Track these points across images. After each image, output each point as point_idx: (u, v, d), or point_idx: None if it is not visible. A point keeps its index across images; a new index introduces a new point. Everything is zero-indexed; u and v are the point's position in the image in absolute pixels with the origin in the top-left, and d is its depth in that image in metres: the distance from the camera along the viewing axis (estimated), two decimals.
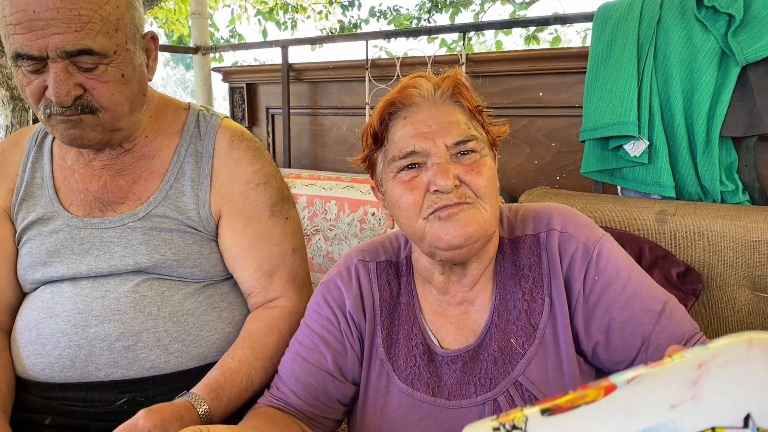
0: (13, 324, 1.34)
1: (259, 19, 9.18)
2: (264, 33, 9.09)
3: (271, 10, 9.01)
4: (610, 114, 1.73)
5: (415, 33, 2.72)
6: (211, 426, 0.92)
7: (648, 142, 1.69)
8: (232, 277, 1.39)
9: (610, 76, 1.76)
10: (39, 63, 1.14)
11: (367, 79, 2.62)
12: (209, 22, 3.44)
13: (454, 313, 1.11)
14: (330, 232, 2.20)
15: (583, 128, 1.83)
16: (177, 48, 4.82)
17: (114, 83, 1.20)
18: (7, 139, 1.46)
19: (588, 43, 1.89)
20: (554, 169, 2.27)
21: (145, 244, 1.28)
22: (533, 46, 7.93)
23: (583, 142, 1.86)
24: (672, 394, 0.47)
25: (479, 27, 2.60)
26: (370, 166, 1.13)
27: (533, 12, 8.58)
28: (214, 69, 3.38)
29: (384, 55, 2.86)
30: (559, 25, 6.01)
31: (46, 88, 1.16)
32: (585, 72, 1.85)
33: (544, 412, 0.52)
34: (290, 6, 9.15)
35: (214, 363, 1.24)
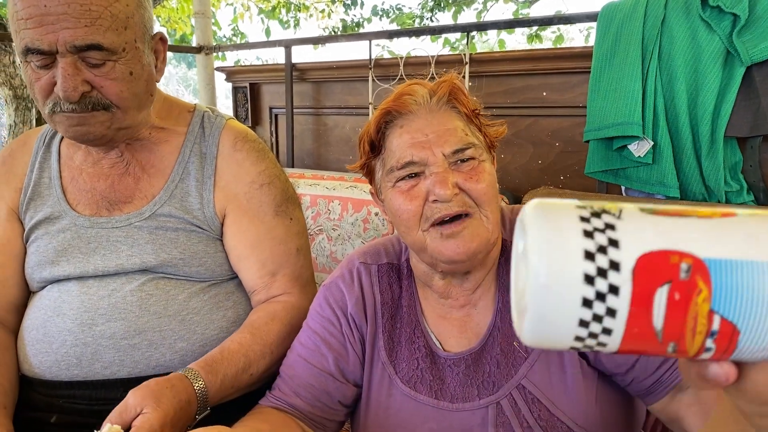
0: (20, 323, 1.35)
1: (261, 18, 9.18)
2: (267, 32, 9.09)
3: (274, 8, 9.01)
4: (614, 114, 1.73)
5: (418, 32, 2.72)
6: (211, 427, 0.93)
7: (652, 142, 1.69)
8: (237, 276, 1.40)
9: (614, 75, 1.76)
10: (48, 58, 1.15)
11: (370, 78, 2.62)
12: (212, 20, 3.44)
13: (457, 316, 1.11)
14: (333, 231, 2.20)
15: (587, 128, 1.83)
16: (180, 47, 4.82)
17: (122, 81, 1.20)
18: (16, 139, 1.47)
19: (591, 42, 1.89)
20: (558, 169, 2.27)
21: (151, 244, 1.29)
22: (536, 44, 7.92)
23: (587, 142, 1.86)
24: None
25: (482, 27, 2.60)
26: (368, 172, 1.13)
27: (536, 10, 8.57)
28: (218, 69, 3.38)
29: (386, 55, 2.86)
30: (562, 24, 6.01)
31: (54, 84, 1.17)
32: (589, 72, 1.85)
33: (643, 209, 0.46)
34: (293, 5, 9.15)
35: None
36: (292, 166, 3.00)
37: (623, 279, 0.43)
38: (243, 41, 9.41)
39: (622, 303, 0.43)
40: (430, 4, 8.92)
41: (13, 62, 4.98)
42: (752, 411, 0.51)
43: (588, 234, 0.44)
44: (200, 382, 1.12)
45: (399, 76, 2.55)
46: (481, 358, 1.06)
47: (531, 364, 1.03)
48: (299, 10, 9.15)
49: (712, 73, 1.60)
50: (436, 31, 2.80)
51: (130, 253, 1.28)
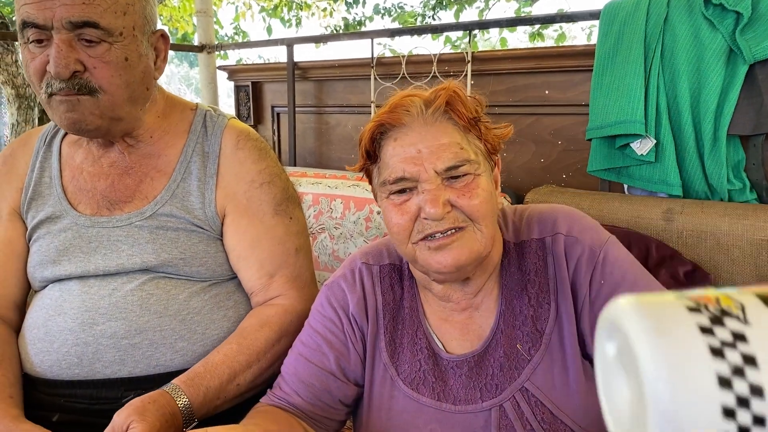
0: (22, 321, 1.35)
1: (263, 17, 9.18)
2: (269, 30, 9.09)
3: (276, 7, 9.01)
4: (616, 112, 1.72)
5: (420, 31, 2.71)
6: (210, 428, 0.93)
7: (655, 141, 1.69)
8: (237, 276, 1.39)
9: (616, 74, 1.75)
10: (43, 33, 1.16)
11: (372, 77, 2.62)
12: (213, 19, 3.44)
13: (458, 319, 1.11)
14: (336, 230, 2.20)
15: (590, 126, 1.82)
16: (182, 46, 4.82)
17: (116, 65, 1.20)
18: (17, 139, 1.47)
19: (593, 40, 1.88)
20: (560, 168, 2.26)
21: (151, 243, 1.29)
22: (538, 42, 7.92)
23: (590, 140, 1.86)
24: None
25: (485, 25, 2.60)
26: (367, 175, 1.12)
27: (538, 9, 8.56)
28: (220, 67, 3.38)
29: (388, 53, 2.86)
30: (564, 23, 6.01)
31: (47, 63, 1.17)
32: (591, 70, 1.85)
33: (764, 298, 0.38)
34: (295, 3, 9.15)
35: None
36: (294, 165, 3.00)
37: None
38: (245, 40, 9.41)
39: None
40: (432, 2, 8.91)
41: (16, 61, 4.99)
42: None
43: (716, 352, 0.36)
44: (183, 397, 1.12)
45: (401, 75, 2.54)
46: (483, 360, 1.06)
47: (534, 367, 1.02)
48: (301, 9, 9.14)
49: (715, 71, 1.60)
50: (438, 30, 2.79)
51: (131, 252, 1.28)
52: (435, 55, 2.45)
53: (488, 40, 9.99)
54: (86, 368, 1.24)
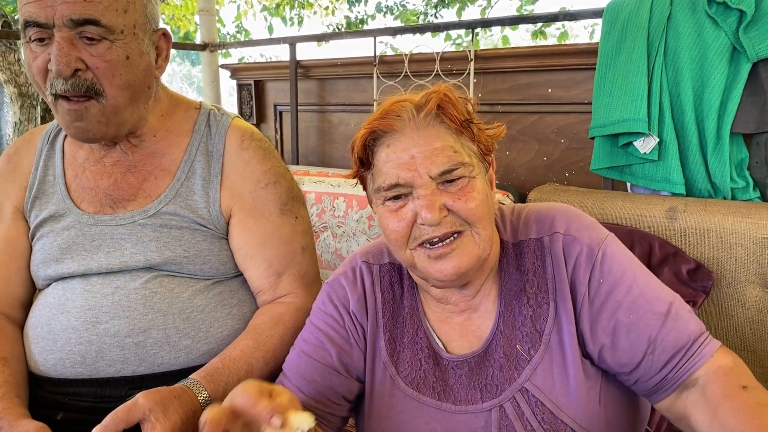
0: (26, 320, 1.35)
1: (265, 15, 9.17)
2: (270, 29, 9.09)
3: (278, 5, 9.00)
4: (619, 111, 1.72)
5: (422, 29, 2.71)
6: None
7: (658, 139, 1.69)
8: (241, 274, 1.40)
9: (619, 72, 1.75)
10: (45, 32, 1.16)
11: (374, 75, 2.62)
12: (216, 18, 3.44)
13: (457, 320, 1.10)
14: (338, 229, 2.20)
15: (593, 125, 1.82)
16: (185, 45, 4.83)
17: (117, 63, 1.20)
18: (21, 137, 1.47)
19: (596, 38, 1.89)
20: (563, 166, 2.26)
21: (155, 241, 1.29)
22: (540, 41, 7.90)
23: (593, 138, 1.85)
24: None
25: (487, 23, 2.60)
26: (361, 182, 1.12)
27: (541, 7, 8.55)
28: (222, 66, 3.39)
29: (389, 51, 2.86)
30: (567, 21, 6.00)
31: (49, 62, 1.17)
32: (594, 68, 1.85)
33: None
34: (297, 1, 9.14)
35: None
36: (297, 164, 3.00)
37: None
38: (247, 38, 9.41)
39: None
40: (434, 0, 8.89)
41: (18, 60, 5.00)
42: None
43: None
44: (204, 393, 1.12)
45: (404, 73, 2.54)
46: (484, 361, 1.06)
47: (534, 367, 1.02)
48: (303, 7, 9.14)
49: (718, 70, 1.60)
50: (440, 28, 2.79)
51: (134, 250, 1.28)
52: (438, 53, 2.45)
53: (490, 38, 9.97)
54: (90, 367, 1.24)
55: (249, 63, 3.44)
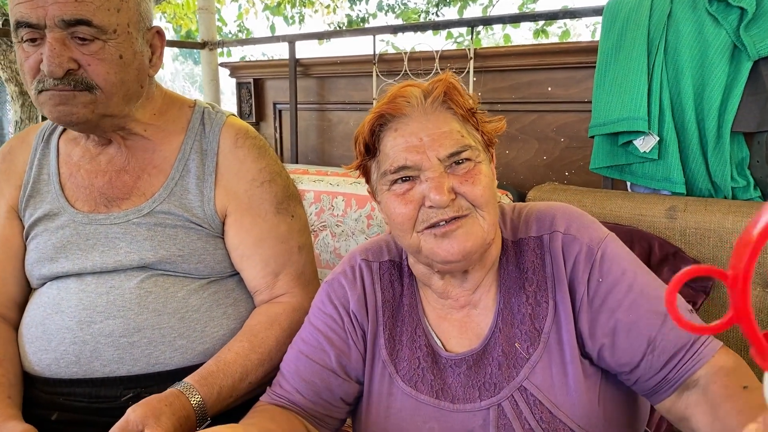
0: (20, 320, 1.34)
1: (266, 14, 9.17)
2: (272, 28, 9.08)
3: (279, 4, 9.00)
4: (619, 109, 1.71)
5: (423, 27, 2.70)
6: (220, 426, 0.93)
7: (658, 138, 1.68)
8: (237, 273, 1.39)
9: (620, 70, 1.74)
10: (36, 32, 1.15)
11: (374, 74, 2.61)
12: (216, 17, 3.44)
13: (457, 317, 1.10)
14: (337, 228, 2.20)
15: (593, 123, 1.81)
16: (184, 43, 4.83)
17: (110, 62, 1.20)
18: (15, 136, 1.46)
19: (597, 37, 1.88)
20: (563, 165, 2.25)
21: (149, 240, 1.28)
22: (542, 39, 7.89)
23: (593, 137, 1.85)
24: None
25: (488, 21, 2.60)
26: (364, 173, 1.12)
27: (542, 5, 8.54)
28: (221, 64, 3.38)
29: (390, 50, 2.85)
30: (568, 19, 5.99)
31: (41, 62, 1.17)
32: (594, 67, 1.84)
33: None
34: (298, 0, 9.14)
35: None
36: (296, 162, 3.00)
37: None
38: (248, 37, 9.41)
39: None
40: None
41: None
42: None
43: None
44: (197, 397, 1.12)
45: (403, 72, 2.54)
46: (482, 359, 1.05)
47: (533, 366, 1.02)
48: (304, 6, 9.13)
49: (719, 68, 1.59)
50: (441, 26, 2.78)
51: (129, 249, 1.28)
52: (437, 51, 2.44)
53: (492, 36, 9.97)
54: (85, 367, 1.24)
55: (248, 61, 3.44)
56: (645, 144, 1.70)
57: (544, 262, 1.06)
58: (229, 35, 9.31)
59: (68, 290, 1.27)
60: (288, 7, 9.06)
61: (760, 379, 0.49)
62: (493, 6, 8.54)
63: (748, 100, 1.57)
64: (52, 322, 1.26)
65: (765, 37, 1.51)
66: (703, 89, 1.62)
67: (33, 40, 1.17)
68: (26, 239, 1.36)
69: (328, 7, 9.30)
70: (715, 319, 1.26)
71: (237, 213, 1.34)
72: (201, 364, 1.26)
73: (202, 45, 3.32)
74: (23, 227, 1.37)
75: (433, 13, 9.08)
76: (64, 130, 1.41)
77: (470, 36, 2.43)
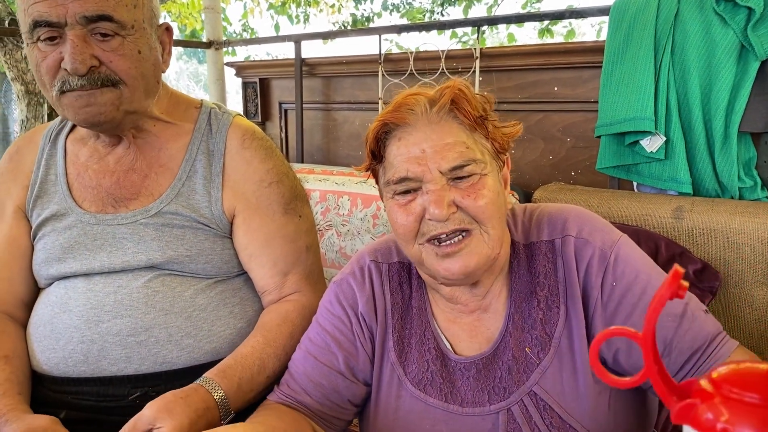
0: (28, 319, 1.35)
1: (271, 14, 9.17)
2: (276, 27, 9.09)
3: (284, 3, 9.00)
4: (626, 109, 1.71)
5: (428, 27, 2.70)
6: (227, 426, 0.93)
7: (665, 138, 1.67)
8: (244, 273, 1.39)
9: (626, 70, 1.74)
10: (56, 31, 1.16)
11: (380, 73, 2.61)
12: (221, 16, 3.44)
13: (467, 321, 1.09)
14: (343, 227, 2.20)
15: (599, 123, 1.81)
16: (190, 43, 4.83)
17: (131, 58, 1.20)
18: (22, 136, 1.47)
19: (603, 36, 1.87)
20: (569, 165, 2.25)
21: (157, 241, 1.29)
22: (547, 39, 7.87)
23: (599, 137, 1.84)
24: None
25: (493, 21, 2.60)
26: (373, 175, 1.11)
27: (547, 5, 8.52)
28: (227, 64, 3.39)
29: (395, 49, 2.85)
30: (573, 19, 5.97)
31: (61, 60, 1.17)
32: (601, 66, 1.83)
33: None
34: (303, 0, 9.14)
35: None
36: (302, 162, 3.00)
37: None
38: (252, 37, 9.42)
39: None
40: None
41: (25, 58, 5.00)
42: None
43: None
44: (219, 390, 1.13)
45: (409, 71, 2.54)
46: (492, 363, 1.05)
47: (543, 371, 1.01)
48: (309, 5, 9.13)
49: (726, 68, 1.58)
50: (446, 26, 2.78)
51: (136, 250, 1.28)
52: (443, 51, 2.44)
53: (496, 35, 9.96)
54: (92, 366, 1.24)
55: (254, 61, 3.44)
56: (652, 144, 1.69)
57: (555, 266, 1.05)
58: (234, 34, 9.32)
59: (76, 289, 1.28)
60: (292, 6, 9.06)
61: None
62: (498, 5, 8.53)
63: (756, 100, 1.56)
64: (60, 321, 1.26)
65: None
66: (710, 89, 1.62)
67: (51, 39, 1.17)
68: (34, 239, 1.37)
69: (332, 6, 9.30)
70: (721, 320, 1.25)
71: (245, 213, 1.35)
72: (208, 363, 1.27)
73: (208, 44, 3.32)
74: (30, 227, 1.38)
75: (438, 13, 9.07)
76: (71, 131, 1.41)
77: (475, 35, 2.43)
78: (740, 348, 0.98)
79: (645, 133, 1.69)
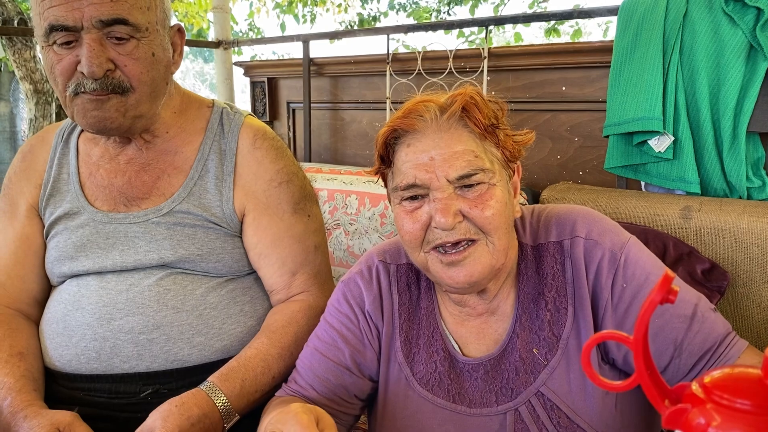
0: (41, 316, 1.36)
1: (277, 13, 9.18)
2: (282, 27, 9.09)
3: (290, 3, 9.00)
4: (634, 109, 1.71)
5: (436, 26, 2.71)
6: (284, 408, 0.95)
7: (673, 138, 1.67)
8: (254, 271, 1.40)
9: (635, 70, 1.74)
10: (72, 34, 1.17)
11: (388, 73, 2.61)
12: (230, 15, 3.45)
13: (474, 323, 1.10)
14: (350, 226, 2.20)
15: (607, 123, 1.81)
16: (198, 42, 4.85)
17: (145, 61, 1.22)
18: (34, 135, 1.48)
19: (609, 35, 1.88)
20: (577, 164, 2.25)
21: (168, 239, 1.30)
22: (554, 38, 7.86)
23: (607, 137, 1.84)
24: None
25: (501, 21, 2.59)
26: (383, 178, 1.11)
27: (554, 4, 8.50)
28: (236, 63, 3.39)
29: (402, 48, 2.85)
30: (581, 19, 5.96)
31: (77, 63, 1.18)
32: (609, 66, 1.83)
33: None
34: None
35: None
36: (310, 161, 3.01)
37: None
38: (259, 36, 9.43)
39: None
40: None
41: (34, 57, 5.03)
42: None
43: None
44: (220, 396, 1.14)
45: (417, 71, 2.54)
46: (500, 364, 1.05)
47: (551, 372, 1.01)
48: (316, 5, 9.13)
49: (735, 68, 1.58)
50: (454, 26, 2.78)
51: (148, 248, 1.29)
52: (451, 51, 2.44)
53: (503, 35, 9.94)
54: (105, 363, 1.25)
55: (262, 60, 3.45)
56: (660, 144, 1.69)
57: (564, 267, 1.05)
58: (239, 33, 9.33)
59: (88, 287, 1.29)
60: (299, 5, 9.07)
61: None
62: (505, 5, 8.51)
63: (764, 101, 1.56)
64: (72, 319, 1.27)
65: None
66: (718, 89, 1.61)
67: (67, 43, 1.18)
68: (46, 238, 1.38)
69: (339, 6, 9.29)
70: (729, 320, 1.25)
71: (255, 212, 1.35)
72: (219, 361, 1.28)
73: (217, 44, 3.33)
74: (43, 226, 1.39)
75: (444, 12, 9.06)
76: (83, 130, 1.43)
77: (483, 34, 2.43)
78: (750, 348, 0.98)
79: (653, 132, 1.69)
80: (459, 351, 1.09)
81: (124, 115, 1.23)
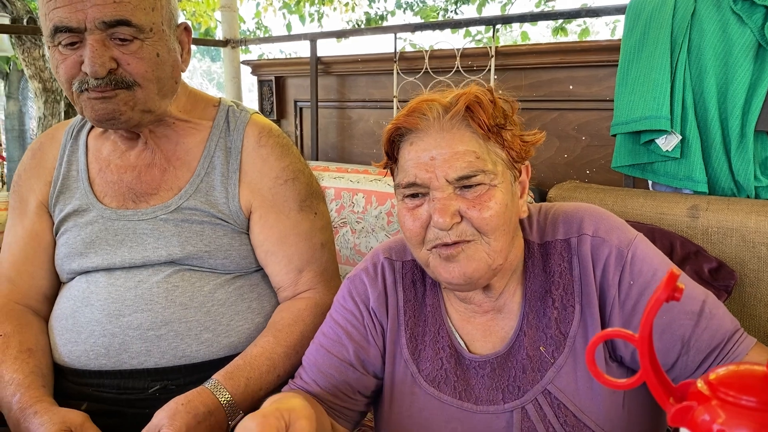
0: (50, 312, 1.37)
1: (284, 12, 9.20)
2: (288, 26, 9.11)
3: (298, 2, 9.02)
4: (642, 108, 1.70)
5: (443, 25, 2.71)
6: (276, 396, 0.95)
7: (681, 137, 1.67)
8: (261, 268, 1.41)
9: (642, 69, 1.73)
10: (76, 35, 1.17)
11: (395, 71, 2.62)
12: (238, 14, 3.46)
13: (481, 321, 1.10)
14: (357, 224, 2.21)
15: (615, 122, 1.81)
16: (206, 41, 4.86)
17: (149, 61, 1.22)
18: (44, 133, 1.49)
19: (617, 34, 1.87)
20: (584, 163, 2.25)
21: (177, 236, 1.30)
22: (561, 37, 7.84)
23: (614, 135, 1.84)
24: None
25: (508, 20, 2.59)
26: (391, 173, 1.11)
27: (562, 3, 8.48)
28: (244, 62, 3.40)
29: (409, 47, 2.86)
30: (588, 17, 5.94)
31: (81, 63, 1.19)
32: (616, 65, 1.83)
33: None
34: None
35: None
36: (317, 159, 3.02)
37: None
38: (266, 35, 9.45)
39: None
40: None
41: (43, 56, 5.06)
42: None
43: None
44: (224, 393, 1.15)
45: (424, 70, 2.54)
46: (506, 362, 1.05)
47: (558, 370, 1.01)
48: (323, 4, 9.14)
49: (743, 67, 1.58)
50: (461, 24, 2.78)
51: (157, 245, 1.30)
52: (458, 50, 2.44)
53: (510, 33, 9.93)
54: (113, 359, 1.26)
55: (270, 59, 3.46)
56: (667, 143, 1.69)
57: (571, 265, 1.04)
58: (247, 32, 9.35)
59: (97, 284, 1.30)
60: (306, 4, 9.08)
61: None
62: (512, 3, 8.50)
63: None
64: (81, 315, 1.28)
65: None
66: (726, 88, 1.61)
67: (72, 44, 1.19)
68: (56, 234, 1.39)
69: (347, 5, 9.30)
70: (737, 318, 1.24)
71: (261, 210, 1.36)
72: (226, 357, 1.29)
73: (225, 43, 3.34)
74: (53, 223, 1.40)
75: (451, 11, 9.06)
76: (93, 126, 1.44)
77: (490, 33, 2.43)
78: (758, 345, 0.97)
79: (661, 131, 1.69)
80: (465, 348, 1.09)
81: (132, 108, 1.24)
